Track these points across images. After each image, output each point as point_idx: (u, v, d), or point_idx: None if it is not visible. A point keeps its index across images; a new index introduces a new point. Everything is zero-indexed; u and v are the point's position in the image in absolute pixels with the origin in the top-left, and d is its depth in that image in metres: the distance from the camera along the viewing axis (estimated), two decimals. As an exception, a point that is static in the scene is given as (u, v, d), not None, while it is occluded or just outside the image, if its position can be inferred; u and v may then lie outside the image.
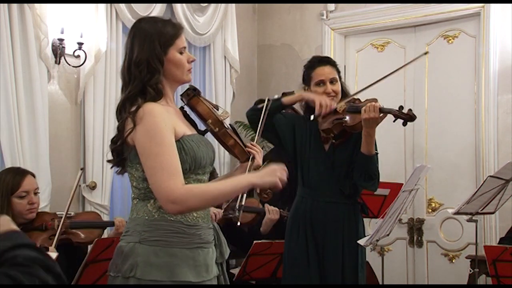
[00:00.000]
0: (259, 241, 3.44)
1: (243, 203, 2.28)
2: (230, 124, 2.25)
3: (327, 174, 3.00)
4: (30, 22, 3.70)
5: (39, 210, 3.10)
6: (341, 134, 2.98)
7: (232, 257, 4.40)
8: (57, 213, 3.16)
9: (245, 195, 2.29)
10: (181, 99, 2.21)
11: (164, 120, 1.96)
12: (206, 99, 2.22)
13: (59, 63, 3.94)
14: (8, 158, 3.56)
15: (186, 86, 2.27)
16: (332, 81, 3.03)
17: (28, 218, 2.97)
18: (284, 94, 3.08)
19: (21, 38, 3.67)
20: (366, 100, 2.96)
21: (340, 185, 3.01)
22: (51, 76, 3.94)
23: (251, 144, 2.28)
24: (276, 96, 3.00)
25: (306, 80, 3.09)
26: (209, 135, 2.20)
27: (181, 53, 2.08)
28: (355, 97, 3.08)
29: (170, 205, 1.89)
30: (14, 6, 3.62)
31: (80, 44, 3.94)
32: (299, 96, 3.05)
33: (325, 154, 3.03)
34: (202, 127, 2.20)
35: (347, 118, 2.91)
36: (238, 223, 2.41)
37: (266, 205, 3.81)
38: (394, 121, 2.87)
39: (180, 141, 1.98)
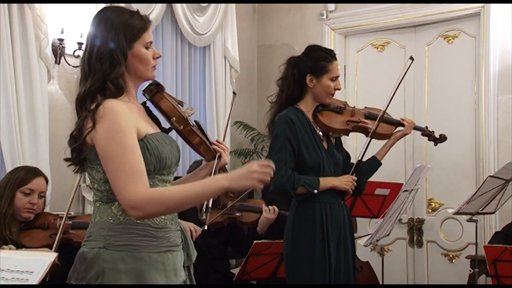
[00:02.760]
0: (259, 241, 3.43)
1: (210, 205, 2.21)
2: (195, 121, 2.13)
3: (334, 174, 2.98)
4: (30, 22, 3.70)
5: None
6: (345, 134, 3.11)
7: (232, 257, 4.40)
8: (59, 213, 3.16)
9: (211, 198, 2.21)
10: (143, 95, 2.06)
11: (125, 118, 1.84)
12: (170, 95, 2.09)
13: (59, 63, 3.95)
14: (8, 158, 3.57)
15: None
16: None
17: (23, 217, 2.94)
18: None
19: (21, 38, 3.67)
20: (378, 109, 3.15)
21: None
22: (51, 76, 3.95)
23: (218, 142, 2.15)
24: (316, 192, 2.86)
25: (319, 70, 2.95)
26: (173, 133, 2.08)
27: (147, 48, 1.95)
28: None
29: (131, 210, 1.78)
30: (14, 6, 3.62)
31: (80, 44, 3.93)
32: (330, 185, 2.91)
33: (329, 154, 3.00)
34: (166, 124, 2.08)
35: (375, 125, 3.06)
36: (206, 227, 2.34)
37: (263, 204, 3.75)
38: (429, 140, 3.36)
39: (143, 140, 1.87)
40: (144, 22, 1.96)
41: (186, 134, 2.07)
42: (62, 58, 3.94)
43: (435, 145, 3.35)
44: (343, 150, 3.14)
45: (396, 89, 3.10)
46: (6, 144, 3.58)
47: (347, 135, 3.15)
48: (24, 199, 2.93)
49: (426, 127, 3.33)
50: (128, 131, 1.83)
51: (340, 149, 3.11)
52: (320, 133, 3.00)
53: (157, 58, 2.00)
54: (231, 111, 2.85)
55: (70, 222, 2.98)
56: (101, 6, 4.07)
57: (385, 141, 3.15)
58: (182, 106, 2.10)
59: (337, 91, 3.02)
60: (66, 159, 1.97)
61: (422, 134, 3.34)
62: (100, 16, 1.96)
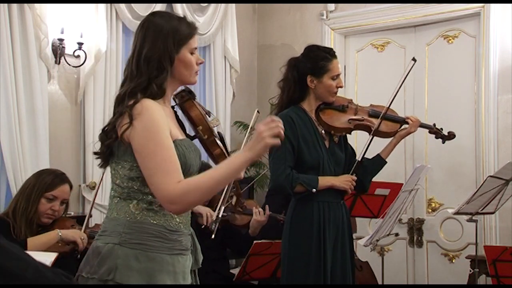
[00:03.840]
0: (259, 241, 3.43)
1: (220, 215, 2.24)
2: (218, 132, 2.19)
3: (334, 173, 2.97)
4: (30, 22, 3.70)
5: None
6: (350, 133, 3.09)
7: (231, 257, 4.39)
8: (70, 214, 3.15)
9: (223, 207, 2.24)
10: (174, 99, 2.11)
11: (162, 118, 1.89)
12: (200, 103, 2.16)
13: (59, 63, 3.95)
14: (8, 158, 3.57)
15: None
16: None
17: (42, 222, 2.94)
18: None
19: (21, 38, 3.67)
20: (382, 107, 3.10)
21: None
22: (51, 76, 3.95)
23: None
24: (314, 190, 2.86)
25: (320, 71, 2.94)
26: (196, 140, 2.12)
27: (192, 53, 2.01)
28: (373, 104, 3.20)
29: (171, 205, 1.83)
30: (14, 6, 3.62)
31: (80, 44, 3.94)
32: (329, 184, 2.91)
33: (330, 152, 2.99)
34: (190, 130, 2.13)
35: (377, 123, 3.02)
36: (213, 236, 2.36)
37: (254, 206, 3.74)
38: (436, 138, 3.27)
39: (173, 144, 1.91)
40: (191, 29, 2.02)
41: (208, 144, 2.12)
42: (62, 58, 3.94)
43: (443, 142, 3.28)
44: (348, 148, 3.12)
45: (398, 90, 3.09)
46: (6, 144, 3.58)
47: (349, 133, 3.11)
48: (46, 205, 2.93)
49: (434, 125, 3.27)
50: (165, 130, 1.88)
51: (344, 148, 3.08)
52: (323, 132, 2.99)
53: (200, 63, 2.05)
54: (251, 125, 2.86)
55: (88, 231, 2.96)
56: (101, 6, 4.10)
57: (390, 139, 3.13)
58: (209, 116, 2.16)
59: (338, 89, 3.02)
60: (95, 153, 1.99)
61: (430, 132, 3.28)
62: (149, 21, 2.02)
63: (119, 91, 1.98)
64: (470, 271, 3.97)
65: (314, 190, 2.86)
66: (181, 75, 2.01)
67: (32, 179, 2.99)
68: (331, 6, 5.21)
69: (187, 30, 2.00)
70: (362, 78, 5.20)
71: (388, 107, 3.09)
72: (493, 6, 4.47)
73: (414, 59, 3.14)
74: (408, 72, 3.13)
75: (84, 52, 3.96)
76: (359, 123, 3.04)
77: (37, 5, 3.73)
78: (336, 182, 2.92)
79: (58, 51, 3.91)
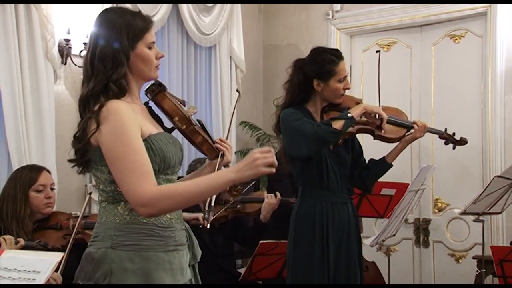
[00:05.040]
0: (265, 241, 3.44)
1: (212, 203, 2.22)
2: (198, 120, 2.14)
3: (340, 174, 2.97)
4: (37, 22, 3.71)
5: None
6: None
7: (238, 257, 4.40)
8: (72, 213, 3.17)
9: (214, 195, 2.23)
10: (146, 95, 2.06)
11: (129, 118, 1.84)
12: (172, 94, 2.10)
13: (65, 63, 3.96)
14: (15, 158, 3.58)
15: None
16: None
17: (45, 213, 3.00)
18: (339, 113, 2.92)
19: (27, 38, 3.68)
20: (393, 109, 3.12)
21: (346, 184, 3.02)
22: (58, 77, 3.96)
23: (220, 140, 2.15)
24: (349, 115, 2.83)
25: (326, 75, 2.91)
26: (175, 132, 2.08)
27: (150, 48, 1.95)
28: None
29: (141, 208, 1.79)
30: (21, 6, 3.63)
31: (86, 44, 3.95)
32: (363, 109, 2.91)
33: (334, 154, 2.98)
34: (168, 123, 2.08)
35: (385, 129, 2.99)
36: (208, 225, 2.35)
37: (266, 195, 3.76)
38: (445, 144, 3.24)
39: (147, 141, 1.88)
40: (146, 23, 1.97)
41: (188, 133, 2.08)
42: (69, 58, 3.95)
43: (454, 148, 3.24)
44: (356, 147, 3.10)
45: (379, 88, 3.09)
46: (13, 144, 3.59)
47: (353, 136, 3.06)
48: (39, 196, 2.98)
49: (445, 130, 3.22)
50: (133, 131, 1.84)
51: (351, 148, 3.06)
52: None
53: (160, 58, 2.00)
54: (234, 110, 2.84)
55: (83, 222, 2.98)
56: (107, 6, 4.10)
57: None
58: (184, 106, 2.11)
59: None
60: (70, 160, 1.97)
61: (440, 137, 3.24)
62: (102, 17, 1.98)
63: (80, 92, 1.94)
64: (477, 271, 3.96)
65: (349, 114, 2.83)
66: (140, 71, 1.96)
67: (10, 183, 3.01)
68: (337, 6, 5.21)
69: (142, 24, 1.95)
70: (368, 78, 5.19)
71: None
72: (500, 5, 4.46)
73: (378, 51, 3.15)
74: (378, 65, 3.11)
75: (90, 52, 3.97)
76: (362, 127, 2.99)
77: (43, 6, 3.74)
78: (368, 108, 2.93)
79: (64, 51, 3.92)
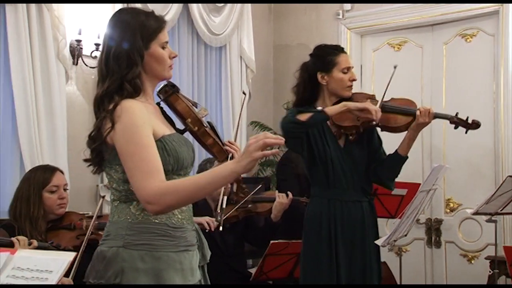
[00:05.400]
0: (276, 241, 3.44)
1: (224, 206, 2.23)
2: (208, 122, 2.16)
3: (350, 171, 2.94)
4: (49, 23, 3.73)
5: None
6: (363, 131, 2.98)
7: (248, 257, 4.40)
8: (84, 213, 3.19)
9: (225, 197, 2.25)
10: (158, 96, 2.08)
11: (142, 118, 1.87)
12: (185, 96, 2.12)
13: (76, 64, 3.99)
14: (27, 158, 3.61)
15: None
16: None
17: (58, 214, 3.01)
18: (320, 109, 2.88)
19: (39, 39, 3.71)
20: (403, 99, 3.01)
21: (361, 182, 2.98)
22: (69, 77, 3.98)
23: (229, 143, 2.17)
24: (319, 108, 2.83)
25: (327, 65, 2.92)
26: (186, 133, 2.10)
27: (163, 48, 1.98)
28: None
29: (148, 205, 1.81)
30: (33, 8, 3.66)
31: (98, 45, 3.97)
32: (343, 107, 2.85)
33: (344, 152, 2.96)
34: (179, 124, 2.10)
35: (383, 118, 2.91)
36: (220, 228, 2.36)
37: (277, 194, 3.76)
38: (455, 128, 3.02)
39: (161, 141, 1.90)
40: (159, 23, 1.99)
41: (200, 135, 2.09)
42: (80, 59, 3.98)
43: (466, 132, 3.04)
44: (374, 142, 3.04)
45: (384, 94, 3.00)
46: (25, 145, 3.62)
47: (359, 130, 2.99)
48: (53, 197, 2.99)
49: (456, 114, 3.02)
50: (144, 130, 1.86)
51: (367, 143, 3.02)
52: (339, 131, 2.96)
53: (173, 57, 2.02)
54: (241, 111, 2.83)
55: (97, 222, 2.99)
56: (118, 6, 4.11)
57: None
58: (196, 107, 2.12)
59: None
60: (86, 160, 1.99)
61: (450, 122, 3.05)
62: (116, 18, 2.00)
63: (96, 92, 1.96)
64: (490, 272, 3.94)
65: (320, 108, 2.82)
66: (154, 71, 1.98)
67: (23, 183, 3.03)
68: (347, 6, 5.20)
69: (155, 24, 1.97)
70: (379, 77, 5.17)
71: (383, 98, 2.99)
72: (512, 4, 4.43)
73: (395, 66, 3.06)
74: (390, 79, 3.03)
75: (102, 53, 3.99)
76: (366, 119, 2.92)
77: (55, 7, 3.76)
78: (351, 105, 2.85)
79: (75, 52, 3.94)
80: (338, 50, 2.99)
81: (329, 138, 2.95)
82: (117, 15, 2.02)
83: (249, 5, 5.20)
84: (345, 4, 5.21)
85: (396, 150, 3.01)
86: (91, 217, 2.99)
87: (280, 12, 5.66)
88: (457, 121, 3.00)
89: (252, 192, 3.67)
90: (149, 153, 1.84)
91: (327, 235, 2.88)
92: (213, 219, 3.41)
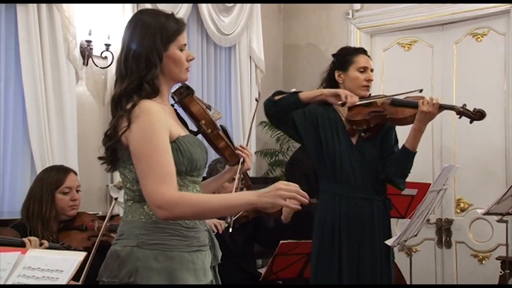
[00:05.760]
0: (286, 241, 3.43)
1: None
2: (221, 125, 2.17)
3: (360, 169, 2.91)
4: (59, 24, 3.75)
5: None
6: (374, 127, 2.95)
7: (258, 257, 4.40)
8: (93, 213, 3.20)
9: None
10: (172, 97, 2.09)
11: (159, 119, 1.88)
12: (199, 98, 2.13)
13: (87, 64, 4.00)
14: (38, 158, 3.62)
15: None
16: (371, 71, 3.01)
17: (69, 215, 3.02)
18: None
19: (50, 40, 3.73)
20: (414, 96, 2.96)
21: (372, 180, 2.95)
22: (79, 77, 4.00)
23: (241, 147, 2.19)
24: (293, 90, 2.88)
25: (344, 64, 2.97)
26: (199, 136, 2.12)
27: (181, 50, 1.99)
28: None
29: (158, 210, 1.82)
30: (44, 8, 3.68)
31: (108, 45, 3.98)
32: (318, 92, 2.87)
33: (355, 148, 2.95)
34: (192, 126, 2.11)
35: (392, 111, 2.89)
36: (230, 229, 2.37)
37: None
38: (459, 118, 2.92)
39: (176, 142, 1.91)
40: (179, 25, 2.00)
41: (212, 138, 2.11)
42: (90, 59, 3.99)
43: (470, 122, 2.94)
44: (388, 140, 3.00)
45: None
46: (36, 145, 3.64)
47: (370, 125, 2.94)
48: (65, 198, 3.00)
49: (464, 105, 2.95)
50: (161, 133, 1.86)
51: (379, 143, 2.99)
52: (352, 128, 2.95)
53: (191, 60, 2.03)
54: (254, 117, 2.84)
55: (108, 224, 3.00)
56: (127, 7, 4.14)
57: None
58: (210, 110, 2.13)
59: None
60: (100, 158, 2.00)
61: (457, 113, 2.96)
62: (137, 19, 2.01)
63: (113, 92, 1.97)
64: (501, 272, 3.92)
65: (293, 90, 2.85)
66: (171, 73, 1.99)
67: (37, 183, 3.04)
68: (357, 6, 5.19)
69: (175, 26, 1.98)
70: (389, 77, 5.16)
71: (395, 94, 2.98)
72: (523, 3, 4.40)
73: (420, 90, 2.99)
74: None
75: (111, 53, 4.00)
76: (376, 114, 2.91)
77: (65, 8, 3.78)
78: (325, 91, 2.85)
79: (86, 52, 3.96)
80: (358, 50, 3.03)
81: (341, 134, 2.94)
82: (138, 15, 2.03)
83: (259, 5, 5.20)
84: (354, 4, 5.20)
85: (403, 144, 2.93)
86: (103, 217, 3.00)
87: (289, 12, 5.65)
88: (461, 111, 2.92)
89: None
90: (164, 157, 1.84)
91: (330, 231, 2.88)
92: (221, 221, 3.42)
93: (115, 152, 1.94)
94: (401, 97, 2.99)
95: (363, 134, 2.96)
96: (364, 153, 2.95)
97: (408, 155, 2.89)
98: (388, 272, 2.94)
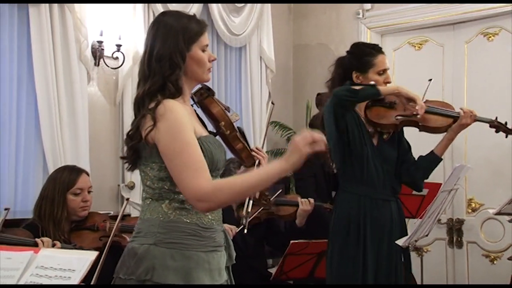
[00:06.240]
0: (296, 241, 3.43)
1: (249, 209, 2.26)
2: (238, 127, 2.18)
3: (382, 170, 2.92)
4: (71, 25, 3.77)
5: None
6: (397, 130, 2.98)
7: (269, 257, 4.40)
8: (107, 213, 3.21)
9: (251, 201, 2.29)
10: (192, 98, 2.10)
11: (185, 116, 1.90)
12: (219, 100, 2.15)
13: (98, 65, 4.02)
14: (50, 159, 3.64)
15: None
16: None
17: (81, 216, 3.03)
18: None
19: (62, 40, 3.75)
20: (439, 101, 3.04)
21: (391, 182, 2.96)
22: (91, 78, 4.02)
23: (257, 149, 2.21)
24: (373, 83, 2.80)
25: (363, 66, 2.90)
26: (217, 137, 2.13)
27: (203, 51, 2.01)
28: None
29: (198, 203, 1.84)
30: (56, 9, 3.70)
31: (119, 46, 4.00)
32: (396, 89, 2.86)
33: (377, 150, 2.94)
34: (209, 127, 2.13)
35: (425, 118, 2.91)
36: (245, 230, 2.38)
37: (298, 197, 3.77)
38: (496, 132, 3.06)
39: (198, 142, 1.92)
40: (201, 26, 2.02)
41: (230, 139, 2.12)
42: (101, 60, 4.01)
43: (506, 136, 3.07)
44: (403, 143, 3.04)
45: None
46: (48, 144, 3.66)
47: (397, 130, 2.99)
48: (76, 199, 3.01)
49: (496, 118, 3.08)
50: (189, 129, 1.89)
51: (397, 144, 3.01)
52: (371, 130, 2.94)
53: (213, 60, 2.05)
54: (268, 121, 2.84)
55: (120, 225, 3.01)
56: (138, 8, 4.15)
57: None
58: (228, 112, 2.15)
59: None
60: (122, 157, 2.02)
61: (490, 126, 3.09)
62: (159, 21, 2.02)
63: (136, 92, 1.99)
64: (513, 272, 3.89)
65: (373, 82, 2.80)
66: (193, 73, 2.01)
67: (49, 183, 3.05)
68: (367, 5, 5.17)
69: (197, 27, 2.00)
70: (400, 77, 5.13)
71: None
72: (535, 2, 4.36)
73: (430, 79, 3.07)
74: (425, 92, 3.02)
75: (123, 54, 4.02)
76: (406, 119, 2.93)
77: (77, 9, 3.80)
78: (402, 90, 2.85)
79: (97, 53, 3.98)
80: (375, 50, 2.96)
81: (366, 136, 2.93)
82: (160, 18, 2.04)
83: (269, 5, 5.20)
84: (365, 4, 5.18)
85: (432, 151, 3.01)
86: (114, 217, 3.01)
87: (299, 12, 5.65)
88: (497, 125, 3.04)
89: (274, 197, 3.69)
90: (195, 151, 1.86)
91: (355, 232, 2.86)
92: (233, 226, 3.42)
93: (138, 151, 1.95)
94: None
95: (384, 136, 2.96)
96: (385, 155, 2.95)
97: (437, 161, 3.01)
98: (401, 271, 2.94)
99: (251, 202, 2.24)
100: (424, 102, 2.98)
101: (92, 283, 2.45)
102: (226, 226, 3.40)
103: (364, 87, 2.80)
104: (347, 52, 3.02)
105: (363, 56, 2.93)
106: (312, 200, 3.72)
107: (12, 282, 1.84)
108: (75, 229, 3.02)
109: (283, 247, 3.49)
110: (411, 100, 2.87)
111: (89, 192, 3.08)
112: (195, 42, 1.98)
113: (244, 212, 2.29)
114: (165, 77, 1.93)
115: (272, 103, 2.88)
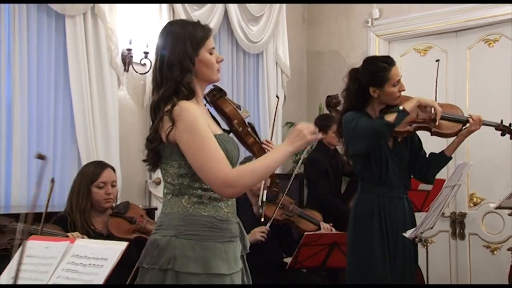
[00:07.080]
0: (310, 233, 3.43)
1: (264, 199, 2.27)
2: (248, 122, 2.18)
3: (398, 170, 2.93)
4: (103, 34, 3.81)
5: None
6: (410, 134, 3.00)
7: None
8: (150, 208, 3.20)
9: (265, 191, 2.30)
10: (205, 98, 2.09)
11: (201, 115, 1.90)
12: (230, 99, 2.15)
13: (127, 70, 4.05)
14: (84, 158, 3.68)
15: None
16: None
17: (105, 207, 3.02)
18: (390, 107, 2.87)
19: (94, 49, 3.79)
20: (447, 104, 3.07)
21: (404, 180, 2.97)
22: (121, 83, 4.05)
23: (267, 141, 2.20)
24: (401, 108, 2.78)
25: (380, 81, 2.87)
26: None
27: (210, 53, 2.00)
28: None
29: (228, 189, 1.83)
30: (89, 20, 3.75)
31: (146, 53, 4.02)
32: (417, 103, 2.85)
33: (393, 152, 2.94)
34: (223, 126, 2.12)
35: (439, 124, 2.92)
36: (262, 219, 2.38)
37: (322, 223, 3.78)
38: (502, 135, 3.12)
39: None
40: (205, 31, 2.02)
41: (243, 135, 2.11)
42: (130, 66, 4.04)
43: (510, 138, 3.11)
44: (415, 140, 3.05)
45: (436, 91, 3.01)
46: (82, 145, 3.70)
47: (410, 135, 2.99)
48: (100, 192, 3.00)
49: (501, 121, 3.10)
50: (205, 125, 1.89)
51: (410, 142, 3.02)
52: (392, 135, 2.92)
53: (220, 61, 2.05)
54: (276, 114, 2.84)
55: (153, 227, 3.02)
56: (164, 18, 4.17)
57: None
58: (240, 109, 2.14)
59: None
60: (144, 160, 2.01)
61: (496, 129, 3.11)
62: (167, 30, 2.02)
63: (151, 99, 1.99)
64: (512, 262, 3.84)
65: (401, 107, 2.79)
66: (204, 75, 2.00)
67: (77, 177, 3.06)
68: (376, 14, 5.14)
69: (202, 32, 2.00)
70: (406, 81, 5.02)
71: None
72: (533, 10, 4.30)
73: (437, 60, 3.14)
74: (437, 73, 3.04)
75: (150, 60, 4.04)
76: (420, 125, 2.94)
77: (109, 19, 3.84)
78: (422, 100, 2.87)
79: (126, 60, 4.00)
80: (388, 64, 2.90)
81: (382, 142, 2.91)
82: (168, 27, 2.04)
83: (284, 14, 5.19)
84: (374, 12, 5.15)
85: (442, 151, 3.05)
86: (147, 212, 3.00)
87: (313, 21, 5.63)
88: (503, 128, 3.08)
89: (299, 210, 3.79)
90: (215, 144, 1.88)
91: (378, 225, 2.85)
92: (263, 229, 3.47)
93: (158, 153, 1.95)
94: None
95: (399, 139, 2.96)
96: (400, 155, 2.95)
97: (447, 160, 3.06)
98: (415, 263, 2.98)
99: (265, 192, 2.24)
100: None
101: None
102: (257, 232, 3.42)
103: (397, 115, 2.77)
104: (361, 67, 2.96)
105: (378, 72, 2.87)
106: (333, 229, 3.74)
107: (51, 269, 1.86)
108: (114, 215, 3.01)
109: (291, 252, 3.51)
110: (428, 106, 2.89)
111: (113, 186, 3.05)
112: (202, 46, 1.98)
113: (259, 203, 2.29)
114: (177, 82, 1.92)
115: (277, 96, 2.88)
